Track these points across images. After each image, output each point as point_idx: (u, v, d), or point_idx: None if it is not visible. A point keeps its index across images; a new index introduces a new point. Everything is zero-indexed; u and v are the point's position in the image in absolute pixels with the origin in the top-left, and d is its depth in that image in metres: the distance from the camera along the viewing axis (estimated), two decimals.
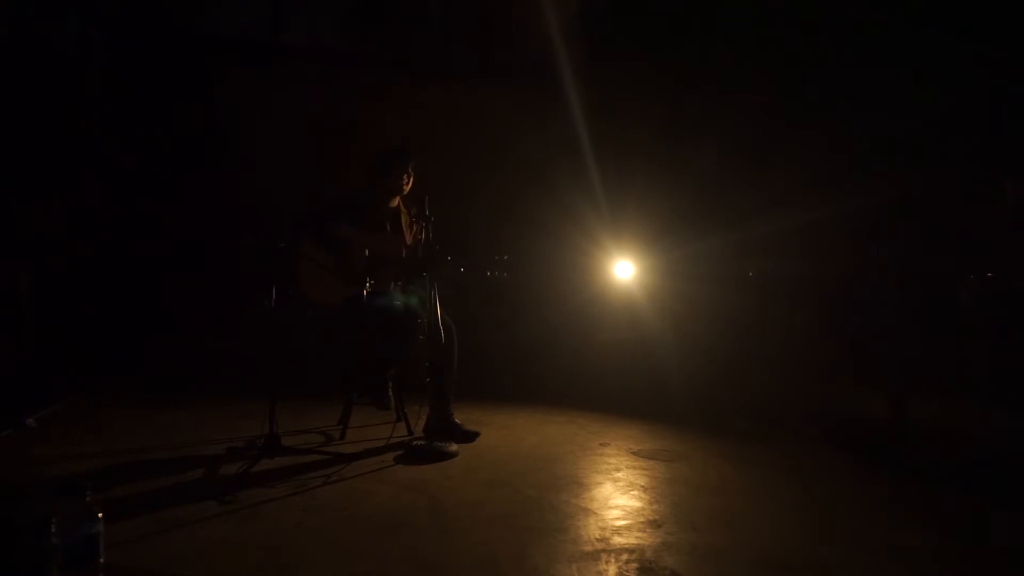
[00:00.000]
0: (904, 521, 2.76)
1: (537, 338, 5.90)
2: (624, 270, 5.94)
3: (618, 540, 2.44)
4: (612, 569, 2.21)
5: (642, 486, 3.04)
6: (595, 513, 2.72)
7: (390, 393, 3.84)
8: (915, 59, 5.65)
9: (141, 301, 5.44)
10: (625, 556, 2.30)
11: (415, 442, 3.47)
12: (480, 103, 6.26)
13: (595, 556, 2.30)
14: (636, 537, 2.47)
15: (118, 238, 5.31)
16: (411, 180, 3.78)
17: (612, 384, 5.41)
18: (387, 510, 2.69)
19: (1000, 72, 5.55)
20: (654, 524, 2.60)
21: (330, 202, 3.76)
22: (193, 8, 6.19)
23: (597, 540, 2.44)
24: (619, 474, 3.22)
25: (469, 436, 3.67)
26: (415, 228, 3.79)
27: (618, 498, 2.90)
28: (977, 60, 5.51)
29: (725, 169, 5.98)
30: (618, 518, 2.66)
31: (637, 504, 2.82)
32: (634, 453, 3.56)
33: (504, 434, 3.89)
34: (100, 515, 1.88)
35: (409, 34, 6.70)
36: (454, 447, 3.46)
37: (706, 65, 6.06)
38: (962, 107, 5.53)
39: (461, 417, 3.74)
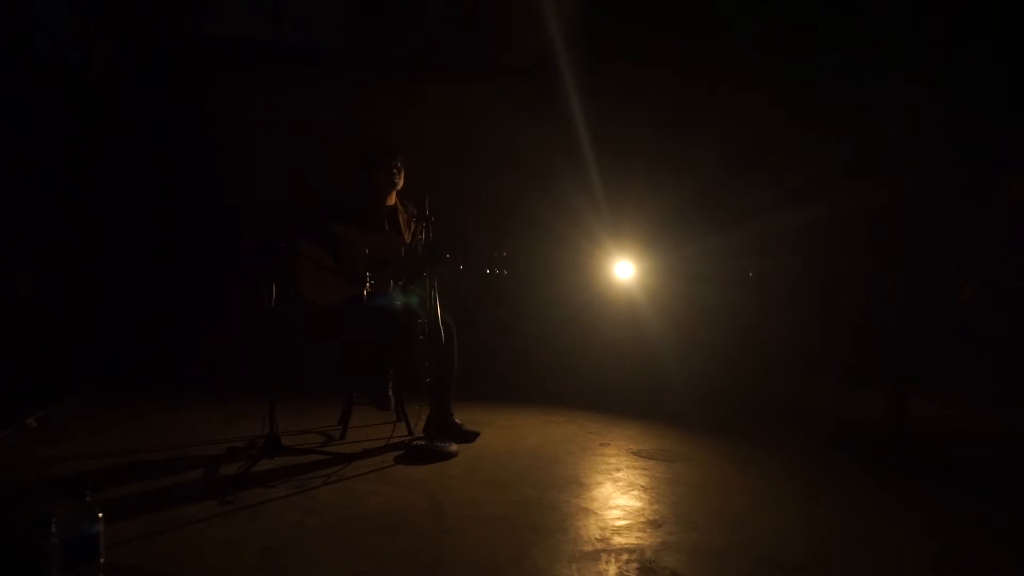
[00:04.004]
0: (905, 521, 2.76)
1: (537, 338, 5.90)
2: (624, 270, 5.93)
3: (618, 540, 2.44)
4: (612, 569, 2.21)
5: (642, 486, 3.05)
6: (595, 513, 2.72)
7: (390, 393, 3.84)
8: (915, 58, 5.65)
9: (140, 300, 5.44)
10: (625, 556, 2.30)
11: (415, 442, 3.47)
12: (480, 103, 6.25)
13: (595, 556, 2.30)
14: (636, 537, 2.47)
15: (117, 237, 5.31)
16: (402, 174, 3.78)
17: (612, 384, 5.41)
18: (387, 510, 2.69)
19: (1000, 71, 5.55)
20: (654, 524, 2.60)
21: (328, 202, 3.77)
22: (192, 8, 6.19)
23: (597, 540, 2.44)
24: (619, 474, 3.22)
25: (469, 436, 3.67)
26: (415, 228, 3.79)
27: (618, 498, 2.90)
28: (977, 59, 5.51)
29: (725, 169, 5.98)
30: (618, 518, 2.66)
31: (637, 504, 2.82)
32: (634, 453, 3.56)
33: (504, 434, 3.90)
34: (100, 515, 1.88)
35: (409, 34, 6.70)
36: (454, 447, 3.46)
37: (707, 65, 6.06)
38: (962, 107, 5.53)
39: (461, 417, 3.74)
